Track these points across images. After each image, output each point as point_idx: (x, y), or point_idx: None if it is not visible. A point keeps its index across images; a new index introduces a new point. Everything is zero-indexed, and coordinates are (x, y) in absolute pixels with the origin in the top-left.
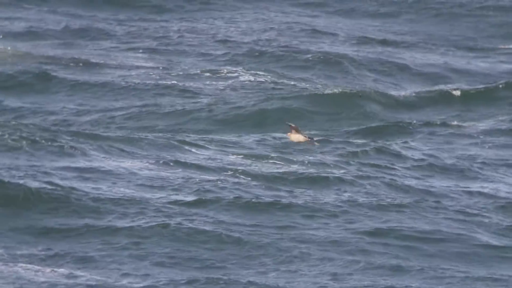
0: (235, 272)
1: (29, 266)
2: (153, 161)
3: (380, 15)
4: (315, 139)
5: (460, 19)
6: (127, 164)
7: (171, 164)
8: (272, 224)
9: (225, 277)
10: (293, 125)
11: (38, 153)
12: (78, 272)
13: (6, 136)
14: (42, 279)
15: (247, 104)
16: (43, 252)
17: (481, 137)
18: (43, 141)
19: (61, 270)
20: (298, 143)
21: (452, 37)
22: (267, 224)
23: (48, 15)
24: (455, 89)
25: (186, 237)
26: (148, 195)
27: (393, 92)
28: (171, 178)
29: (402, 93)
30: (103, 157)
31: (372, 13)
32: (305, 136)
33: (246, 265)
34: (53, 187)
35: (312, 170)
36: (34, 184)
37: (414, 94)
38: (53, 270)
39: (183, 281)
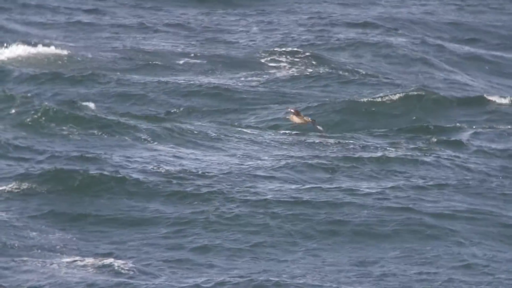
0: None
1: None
2: (201, 148)
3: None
4: (316, 122)
5: None
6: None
7: (218, 151)
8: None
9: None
10: (293, 110)
11: (90, 139)
12: (121, 259)
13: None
14: (95, 266)
15: None
16: (93, 239)
17: None
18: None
19: (105, 257)
20: (300, 124)
21: None
22: (334, 209)
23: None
24: None
25: (228, 224)
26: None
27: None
28: (218, 164)
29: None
30: (155, 143)
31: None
32: (307, 119)
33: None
34: (106, 173)
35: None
36: (91, 169)
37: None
38: (98, 257)
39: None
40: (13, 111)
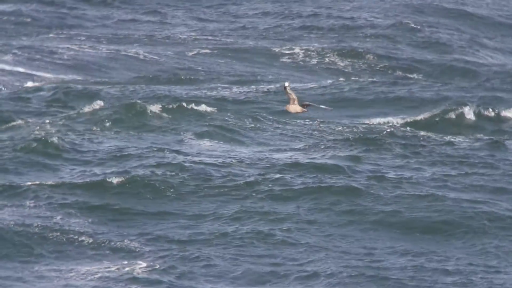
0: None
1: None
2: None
3: None
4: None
5: None
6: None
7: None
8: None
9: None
10: (287, 85)
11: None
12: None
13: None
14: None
15: None
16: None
17: None
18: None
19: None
20: (296, 114)
21: None
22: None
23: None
24: None
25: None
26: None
27: None
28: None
29: None
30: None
31: None
32: (302, 107)
33: None
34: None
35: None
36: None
37: None
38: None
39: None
40: None
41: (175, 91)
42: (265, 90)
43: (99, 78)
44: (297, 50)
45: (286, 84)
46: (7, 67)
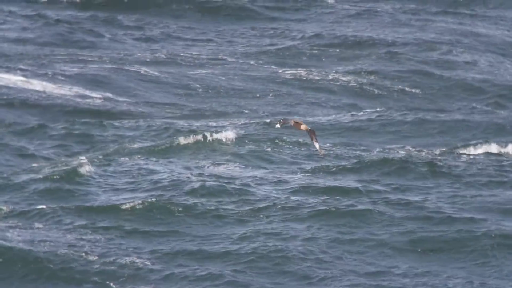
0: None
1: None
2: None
3: None
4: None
5: None
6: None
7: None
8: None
9: None
10: (291, 123)
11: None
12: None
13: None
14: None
15: None
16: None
17: None
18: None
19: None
20: (305, 130)
21: None
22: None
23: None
24: None
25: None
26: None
27: None
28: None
29: None
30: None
31: None
32: (306, 126)
33: None
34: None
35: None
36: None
37: None
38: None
39: None
40: None
41: (190, 118)
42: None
43: (126, 98)
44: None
45: (278, 125)
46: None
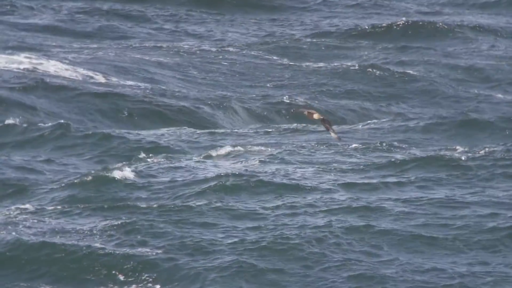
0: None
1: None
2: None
3: None
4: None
5: None
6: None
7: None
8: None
9: None
10: (305, 112)
11: None
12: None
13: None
14: None
15: None
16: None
17: None
18: None
19: None
20: (318, 119)
21: None
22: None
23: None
24: None
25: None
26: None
27: None
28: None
29: None
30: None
31: None
32: (319, 115)
33: None
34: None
35: None
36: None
37: None
38: None
39: None
40: None
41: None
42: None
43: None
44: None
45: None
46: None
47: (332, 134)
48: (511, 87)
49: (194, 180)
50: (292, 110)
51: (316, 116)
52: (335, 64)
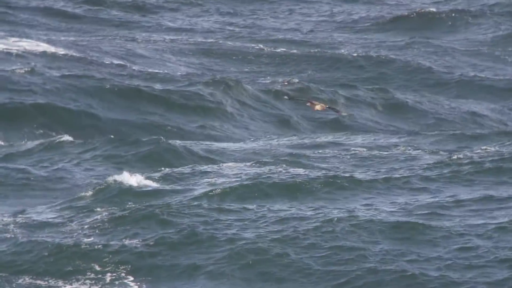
0: None
1: None
2: None
3: None
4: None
5: None
6: None
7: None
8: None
9: None
10: (308, 103)
11: None
12: None
13: None
14: None
15: None
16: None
17: None
18: None
19: None
20: (323, 110)
21: None
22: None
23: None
24: None
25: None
26: None
27: None
28: None
29: None
30: None
31: None
32: (324, 105)
33: None
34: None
35: None
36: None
37: None
38: None
39: None
40: None
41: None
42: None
43: None
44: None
45: (285, 97)
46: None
47: (343, 113)
48: None
49: (195, 182)
50: (286, 97)
51: (318, 107)
52: None
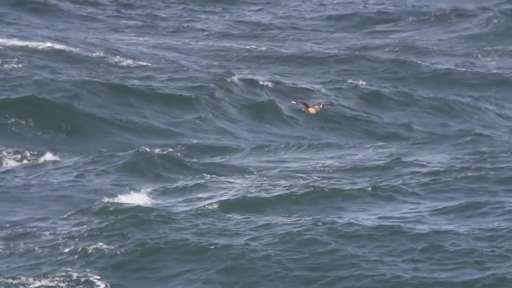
0: None
1: None
2: None
3: None
4: (324, 104)
5: None
6: None
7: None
8: None
9: None
10: (302, 102)
11: None
12: None
13: None
14: None
15: None
16: None
17: None
18: None
19: None
20: (317, 113)
21: None
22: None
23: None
24: None
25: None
26: None
27: None
28: None
29: None
30: None
31: None
32: (318, 106)
33: None
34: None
35: None
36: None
37: None
38: None
39: None
40: None
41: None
42: None
43: None
44: None
45: (293, 102)
46: None
47: (329, 107)
48: None
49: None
50: (294, 100)
51: (312, 110)
52: None
